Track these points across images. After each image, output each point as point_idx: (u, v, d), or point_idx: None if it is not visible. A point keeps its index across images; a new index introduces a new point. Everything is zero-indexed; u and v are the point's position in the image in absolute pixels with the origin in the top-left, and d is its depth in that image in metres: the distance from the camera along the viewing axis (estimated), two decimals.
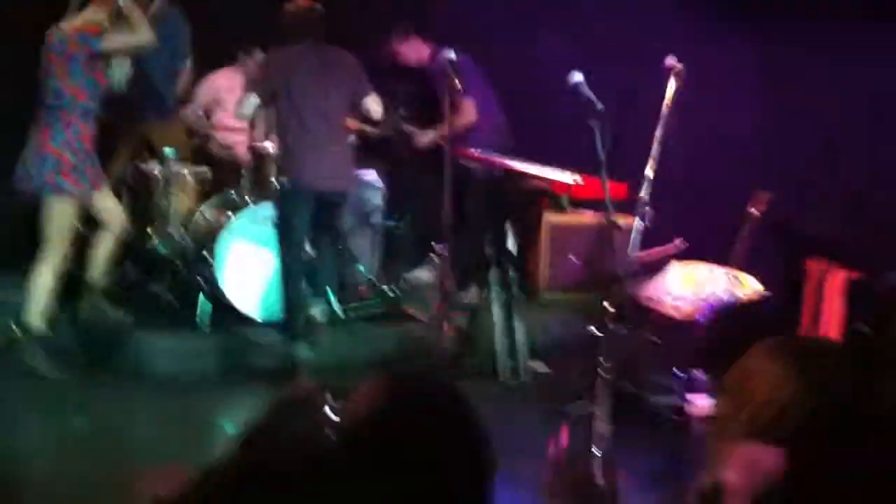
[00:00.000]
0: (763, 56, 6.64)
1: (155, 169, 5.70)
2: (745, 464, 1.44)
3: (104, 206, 5.08)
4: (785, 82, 6.58)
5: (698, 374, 4.88)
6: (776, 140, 6.64)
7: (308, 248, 5.31)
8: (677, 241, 6.06)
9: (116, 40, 4.87)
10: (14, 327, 4.96)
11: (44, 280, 4.88)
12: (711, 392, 4.98)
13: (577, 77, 4.52)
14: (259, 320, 5.50)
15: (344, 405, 1.53)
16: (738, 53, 6.69)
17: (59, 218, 4.84)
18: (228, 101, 6.32)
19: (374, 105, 5.31)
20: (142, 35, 4.90)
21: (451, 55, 4.99)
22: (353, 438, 1.48)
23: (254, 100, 5.11)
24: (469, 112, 6.14)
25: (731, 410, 1.50)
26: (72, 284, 5.16)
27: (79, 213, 4.97)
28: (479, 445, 1.51)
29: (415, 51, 6.36)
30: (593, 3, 6.99)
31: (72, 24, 4.82)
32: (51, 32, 4.83)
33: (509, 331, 5.45)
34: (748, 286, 4.66)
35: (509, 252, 5.47)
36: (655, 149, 5.45)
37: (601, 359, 4.00)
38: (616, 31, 6.95)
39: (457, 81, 4.71)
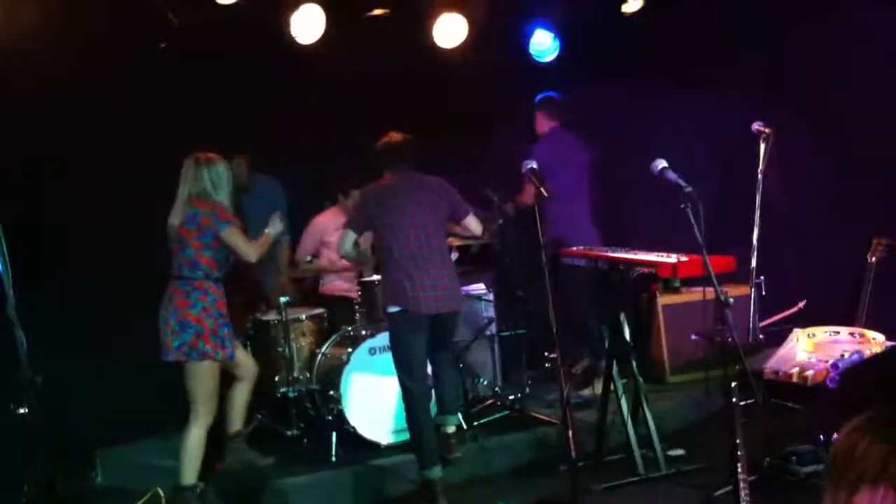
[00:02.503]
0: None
1: (273, 318, 5.92)
2: None
3: (237, 360, 5.29)
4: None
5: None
6: (882, 184, 6.49)
7: (428, 368, 5.39)
8: (799, 305, 5.95)
9: (234, 238, 5.11)
10: (162, 491, 5.17)
11: (196, 439, 5.08)
12: None
13: (661, 163, 4.59)
14: (390, 445, 5.58)
15: None
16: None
17: (204, 380, 5.06)
18: (332, 242, 6.60)
19: (473, 224, 5.45)
20: (250, 254, 5.19)
21: (533, 164, 5.12)
22: None
23: (351, 235, 5.30)
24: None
25: (837, 482, 1.51)
26: (214, 436, 5.34)
27: (218, 372, 5.17)
28: None
29: (539, 124, 6.72)
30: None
31: (201, 199, 5.09)
32: (177, 210, 5.11)
33: (641, 421, 5.39)
34: (874, 342, 4.51)
35: (627, 342, 5.45)
36: (757, 215, 5.45)
37: (736, 437, 3.93)
38: (698, 106, 7.01)
39: (542, 190, 4.83)
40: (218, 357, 5.05)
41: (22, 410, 3.62)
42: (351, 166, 6.22)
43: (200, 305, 5.03)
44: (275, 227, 5.39)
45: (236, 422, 5.43)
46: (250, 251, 5.19)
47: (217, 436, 5.37)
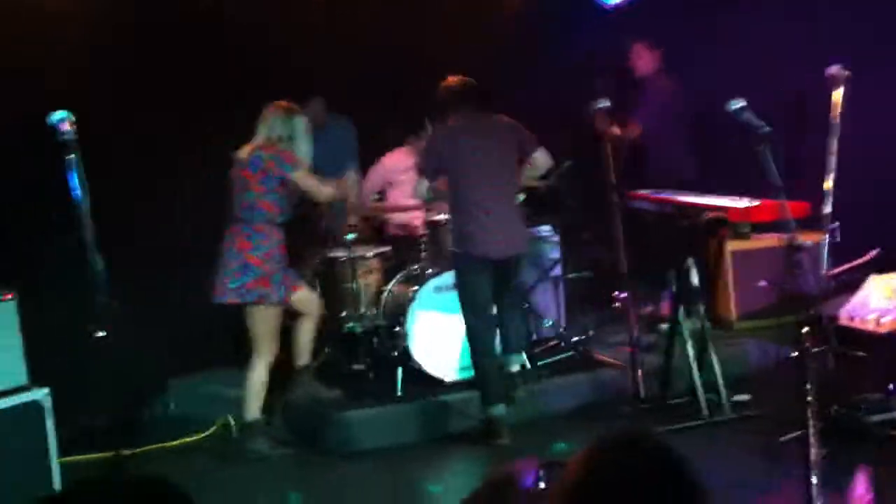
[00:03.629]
0: None
1: (341, 255, 5.99)
2: None
3: (300, 298, 5.36)
4: None
5: None
6: None
7: (494, 308, 5.41)
8: (872, 253, 5.81)
9: (306, 182, 5.18)
10: (231, 422, 5.32)
11: (258, 377, 5.20)
12: None
13: (738, 103, 4.49)
14: (456, 382, 5.64)
15: (556, 476, 1.57)
16: None
17: (265, 322, 5.16)
18: (400, 181, 6.61)
19: (542, 158, 5.42)
20: (324, 194, 5.31)
21: (606, 103, 5.06)
22: None
23: (425, 181, 5.32)
24: (633, 130, 6.52)
25: None
26: (283, 371, 5.46)
27: (280, 313, 5.26)
28: (696, 499, 1.51)
29: (644, 63, 6.83)
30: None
31: (270, 145, 5.15)
32: (245, 151, 5.18)
33: (706, 365, 5.36)
34: None
35: (695, 287, 5.41)
36: (832, 161, 5.32)
37: (807, 383, 3.88)
38: (777, 47, 6.84)
39: (614, 127, 4.78)
40: (272, 300, 5.12)
41: (100, 334, 3.72)
42: (419, 109, 6.20)
43: (263, 249, 5.09)
44: (351, 179, 5.50)
45: (302, 356, 5.52)
46: (323, 190, 5.26)
47: (286, 369, 5.49)
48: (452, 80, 5.37)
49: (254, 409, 5.22)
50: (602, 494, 1.50)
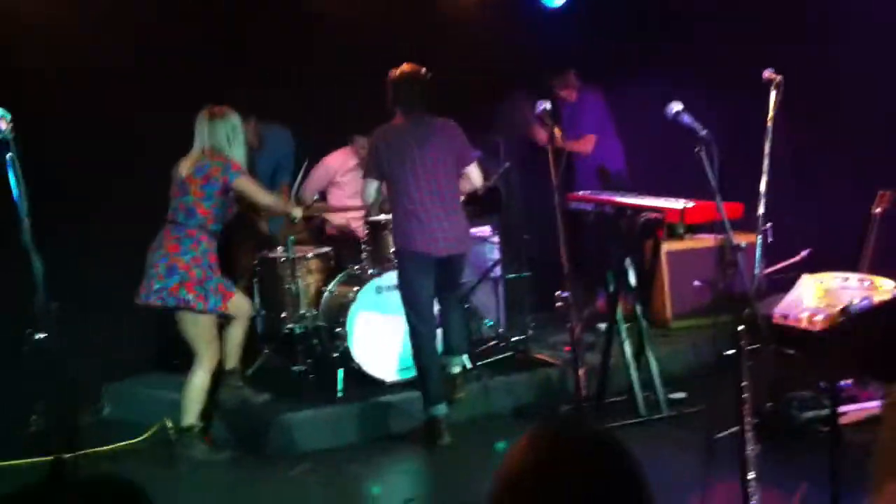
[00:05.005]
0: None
1: (280, 255, 5.95)
2: None
3: (233, 304, 5.28)
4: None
5: (845, 383, 4.79)
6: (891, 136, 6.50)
7: (435, 308, 5.43)
8: (803, 253, 5.97)
9: (248, 187, 5.17)
10: (172, 427, 5.26)
11: (198, 382, 5.15)
12: (860, 399, 4.87)
13: (677, 106, 4.57)
14: (396, 382, 5.65)
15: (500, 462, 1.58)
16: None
17: (196, 327, 5.11)
18: (343, 182, 6.60)
19: (474, 174, 5.44)
20: (266, 199, 5.34)
21: (547, 105, 5.12)
22: (511, 493, 1.53)
23: (373, 183, 5.30)
24: (588, 144, 6.71)
25: None
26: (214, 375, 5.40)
27: (214, 319, 5.20)
28: (635, 485, 1.53)
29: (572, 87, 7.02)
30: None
31: (216, 152, 5.10)
32: (191, 158, 5.13)
33: (643, 364, 5.45)
34: (883, 288, 4.55)
35: (632, 286, 5.50)
36: (766, 163, 5.44)
37: (741, 381, 3.97)
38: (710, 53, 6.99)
39: (556, 130, 4.83)
40: (199, 308, 5.06)
41: (39, 336, 3.65)
42: (361, 106, 6.19)
43: (191, 254, 5.05)
44: (296, 212, 5.54)
45: (231, 359, 5.47)
46: (265, 197, 5.29)
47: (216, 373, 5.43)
48: (405, 68, 5.28)
49: (191, 414, 5.16)
50: (541, 480, 1.51)
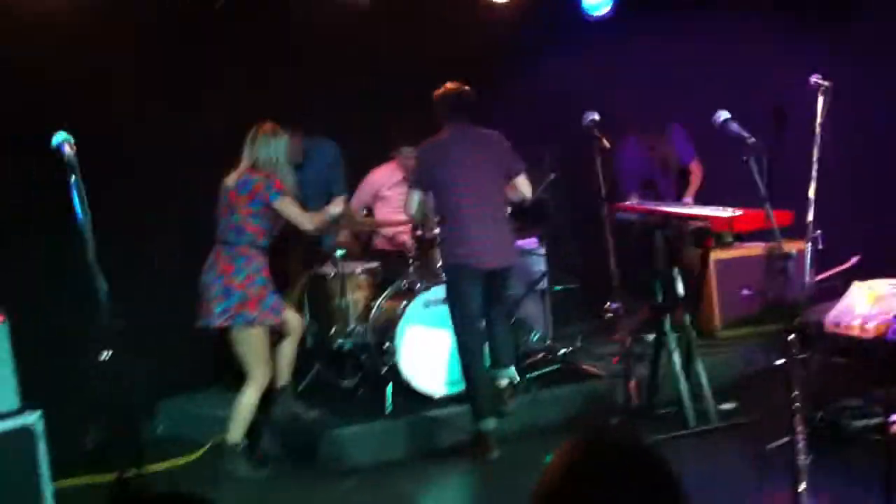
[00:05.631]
0: None
1: (329, 272, 6.01)
2: None
3: (285, 320, 5.36)
4: None
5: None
6: None
7: (483, 322, 5.45)
8: (853, 259, 5.90)
9: (288, 210, 5.19)
10: (219, 443, 5.31)
11: (247, 400, 5.19)
12: None
13: (723, 115, 4.55)
14: (444, 397, 5.67)
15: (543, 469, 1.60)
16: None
17: (252, 345, 5.16)
18: (389, 196, 6.65)
19: (524, 185, 5.45)
20: (306, 224, 5.29)
21: (595, 116, 5.13)
22: (547, 501, 1.55)
23: (416, 195, 5.36)
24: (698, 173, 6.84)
25: None
26: (266, 391, 5.46)
27: (267, 336, 5.25)
28: (672, 496, 1.53)
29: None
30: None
31: (259, 168, 5.17)
32: (235, 174, 5.20)
33: (692, 375, 5.41)
34: None
35: (680, 296, 5.46)
36: (815, 169, 5.39)
37: (792, 390, 3.93)
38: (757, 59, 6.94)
39: (604, 140, 4.84)
40: (265, 323, 5.13)
41: (105, 355, 3.74)
42: (409, 120, 6.25)
43: (245, 272, 5.10)
44: (336, 208, 5.46)
45: (283, 375, 5.52)
46: (306, 220, 5.27)
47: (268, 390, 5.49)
48: (449, 86, 5.38)
49: (236, 432, 5.20)
50: (577, 488, 1.53)
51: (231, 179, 5.20)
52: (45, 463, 4.40)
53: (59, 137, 3.86)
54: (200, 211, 5.43)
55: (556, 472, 1.56)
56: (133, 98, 5.94)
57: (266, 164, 5.18)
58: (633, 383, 4.62)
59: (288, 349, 5.47)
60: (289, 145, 5.33)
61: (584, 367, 6.14)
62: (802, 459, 3.74)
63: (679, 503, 1.53)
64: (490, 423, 5.25)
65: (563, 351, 6.27)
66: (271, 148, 5.20)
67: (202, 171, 5.55)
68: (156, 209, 6.01)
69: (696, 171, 6.95)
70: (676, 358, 5.39)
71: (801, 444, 3.92)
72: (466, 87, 5.40)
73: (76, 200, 3.78)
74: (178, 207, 6.00)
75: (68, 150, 3.83)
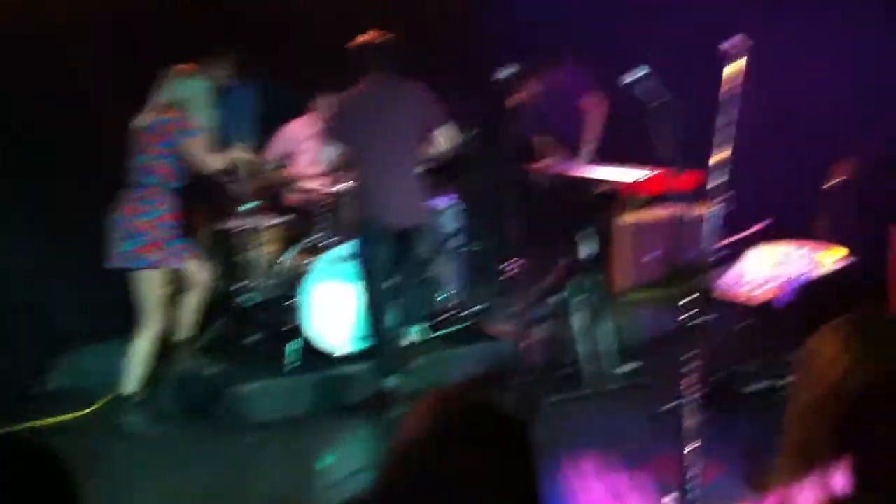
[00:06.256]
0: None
1: (237, 224, 5.88)
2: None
3: (189, 269, 5.26)
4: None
5: (788, 354, 4.76)
6: (852, 105, 6.42)
7: (391, 280, 5.39)
8: (760, 224, 5.93)
9: (194, 151, 5.05)
10: (112, 394, 5.19)
11: (141, 348, 5.10)
12: None
13: (639, 72, 4.46)
14: (348, 354, 5.62)
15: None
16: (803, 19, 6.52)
17: (150, 288, 5.05)
18: (303, 150, 6.51)
19: (442, 138, 5.34)
20: (210, 164, 5.16)
21: (514, 69, 5.05)
22: (397, 459, 1.56)
23: (331, 150, 5.24)
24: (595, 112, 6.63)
25: (799, 388, 1.53)
26: (166, 344, 5.36)
27: (166, 281, 5.15)
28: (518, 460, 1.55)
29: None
30: None
31: (171, 108, 5.03)
32: (146, 114, 5.05)
33: (597, 337, 5.42)
34: (827, 262, 4.52)
35: (586, 258, 5.45)
36: (730, 131, 5.37)
37: (690, 352, 3.95)
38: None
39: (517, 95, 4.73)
40: (166, 266, 5.02)
41: None
42: (328, 70, 6.10)
43: (151, 215, 4.98)
44: (241, 154, 5.40)
45: (185, 329, 5.43)
46: (210, 161, 5.13)
47: (169, 343, 5.39)
48: (371, 35, 5.22)
49: (130, 382, 5.10)
50: (425, 448, 1.55)
51: (142, 119, 5.04)
52: None
53: None
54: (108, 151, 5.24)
55: (406, 431, 1.58)
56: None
57: (180, 104, 5.03)
58: (524, 344, 4.59)
59: (192, 301, 5.36)
60: (209, 85, 5.17)
61: (491, 328, 6.11)
62: (691, 421, 3.76)
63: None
64: (394, 381, 5.22)
65: (472, 311, 6.23)
66: (186, 87, 5.05)
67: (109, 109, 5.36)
68: (64, 151, 5.80)
69: (592, 111, 6.81)
70: (578, 320, 5.39)
71: (690, 407, 3.94)
72: (389, 36, 5.22)
73: None
74: (88, 147, 5.79)
75: None
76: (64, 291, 5.76)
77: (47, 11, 5.82)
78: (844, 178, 5.31)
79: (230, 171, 6.00)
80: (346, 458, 5.05)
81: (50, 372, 5.93)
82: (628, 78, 4.45)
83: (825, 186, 5.22)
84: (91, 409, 5.42)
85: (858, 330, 1.56)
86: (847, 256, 4.68)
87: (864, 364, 1.48)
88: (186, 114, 5.05)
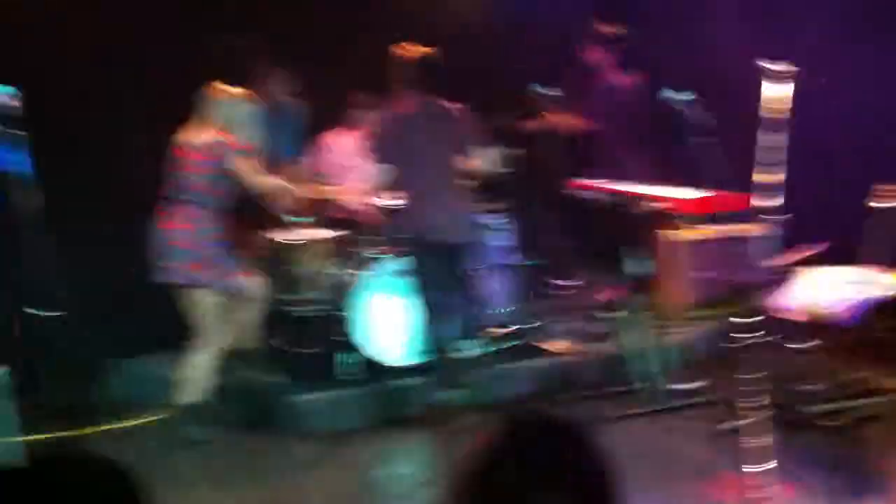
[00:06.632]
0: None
1: (288, 238, 5.93)
2: None
3: (245, 283, 5.27)
4: None
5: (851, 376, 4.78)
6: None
7: (444, 295, 5.41)
8: (818, 246, 5.93)
9: (245, 172, 5.07)
10: (174, 406, 5.23)
11: (200, 362, 5.12)
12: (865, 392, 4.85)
13: (683, 96, 4.52)
14: (402, 367, 5.64)
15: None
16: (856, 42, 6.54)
17: (205, 307, 5.09)
18: (349, 165, 6.56)
19: (479, 161, 5.39)
20: (258, 186, 5.18)
21: (545, 89, 5.07)
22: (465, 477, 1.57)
23: (382, 170, 5.29)
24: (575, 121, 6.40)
25: None
26: (226, 355, 5.39)
27: (222, 298, 5.17)
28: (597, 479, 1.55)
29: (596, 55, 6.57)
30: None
31: (220, 129, 5.08)
32: (194, 133, 5.10)
33: (647, 355, 5.43)
34: (881, 283, 4.53)
35: (644, 275, 5.47)
36: (783, 154, 5.40)
37: (748, 372, 3.97)
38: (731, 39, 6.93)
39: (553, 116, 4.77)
40: (219, 286, 5.06)
41: (51, 314, 3.66)
42: (368, 83, 6.17)
43: (202, 233, 5.03)
44: (293, 184, 5.43)
45: (245, 340, 5.46)
46: (258, 183, 5.17)
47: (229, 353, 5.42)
48: (413, 48, 5.25)
49: (189, 394, 5.13)
50: (490, 465, 1.56)
51: (190, 137, 5.10)
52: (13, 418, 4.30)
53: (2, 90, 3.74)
54: (160, 169, 5.28)
55: (477, 452, 1.58)
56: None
57: (229, 124, 5.09)
58: (583, 361, 4.60)
59: (248, 314, 5.40)
60: (255, 106, 5.24)
61: (545, 343, 6.13)
62: (758, 441, 3.78)
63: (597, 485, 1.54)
64: (448, 395, 5.24)
65: (524, 326, 6.25)
66: (235, 108, 5.11)
67: (152, 127, 5.41)
68: (104, 167, 5.86)
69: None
70: (636, 337, 5.40)
71: (757, 427, 3.97)
72: (430, 52, 5.26)
73: (21, 156, 3.67)
74: (128, 164, 5.84)
75: (12, 102, 3.71)
76: (118, 300, 5.80)
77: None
78: (887, 200, 5.29)
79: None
80: (400, 472, 5.07)
81: (107, 380, 5.97)
82: (676, 100, 4.50)
83: (876, 208, 5.20)
84: (152, 417, 5.46)
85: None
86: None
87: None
88: (236, 135, 5.09)
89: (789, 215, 5.16)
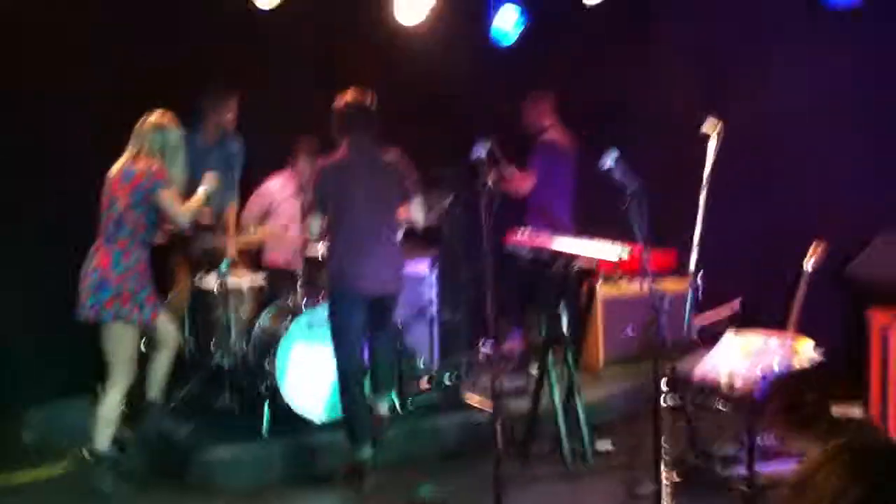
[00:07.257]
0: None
1: (212, 283, 5.85)
2: None
3: (159, 326, 5.21)
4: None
5: (767, 441, 4.82)
6: (833, 187, 6.56)
7: (364, 347, 5.38)
8: (733, 303, 6.02)
9: (166, 201, 5.03)
10: (84, 453, 5.09)
11: (110, 405, 5.01)
12: (781, 457, 4.90)
13: (610, 159, 4.54)
14: (323, 422, 5.57)
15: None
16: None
17: (121, 344, 4.99)
18: (281, 209, 6.52)
19: (415, 211, 5.38)
20: (182, 217, 5.13)
21: (485, 149, 5.11)
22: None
23: (318, 219, 5.25)
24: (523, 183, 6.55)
25: None
26: (136, 404, 5.29)
27: (139, 337, 5.10)
28: None
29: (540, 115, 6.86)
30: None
31: (143, 160, 5.02)
32: (117, 165, 5.04)
33: (571, 412, 5.43)
34: (804, 354, 4.59)
35: (564, 332, 5.48)
36: (701, 213, 5.48)
37: (664, 435, 3.98)
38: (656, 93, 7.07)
39: (492, 174, 4.79)
40: (134, 321, 4.98)
41: None
42: (307, 130, 6.15)
43: (122, 266, 4.95)
44: (209, 185, 5.34)
45: (154, 388, 5.36)
46: (181, 214, 5.12)
47: (138, 402, 5.32)
48: (351, 95, 5.24)
49: (102, 439, 5.01)
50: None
51: (114, 169, 5.04)
52: None
53: None
54: (83, 207, 5.20)
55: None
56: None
57: (150, 155, 5.03)
58: (500, 422, 4.57)
59: (161, 361, 5.31)
60: (179, 136, 5.18)
61: (468, 398, 6.11)
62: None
63: None
64: (366, 452, 5.17)
65: (447, 381, 6.22)
66: (158, 140, 5.06)
67: (83, 161, 5.33)
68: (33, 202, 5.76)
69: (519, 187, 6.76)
70: (557, 394, 5.40)
71: (667, 491, 3.98)
72: (369, 98, 5.26)
73: None
74: (57, 201, 5.74)
75: None
76: (33, 344, 5.68)
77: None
78: (818, 261, 5.37)
79: (209, 227, 6.01)
80: None
81: (20, 427, 5.82)
82: (601, 163, 4.52)
83: (805, 268, 5.28)
84: (61, 466, 5.32)
85: (863, 459, 1.59)
86: (818, 346, 4.76)
87: (880, 494, 1.51)
88: (159, 164, 5.04)
89: (701, 273, 5.26)
